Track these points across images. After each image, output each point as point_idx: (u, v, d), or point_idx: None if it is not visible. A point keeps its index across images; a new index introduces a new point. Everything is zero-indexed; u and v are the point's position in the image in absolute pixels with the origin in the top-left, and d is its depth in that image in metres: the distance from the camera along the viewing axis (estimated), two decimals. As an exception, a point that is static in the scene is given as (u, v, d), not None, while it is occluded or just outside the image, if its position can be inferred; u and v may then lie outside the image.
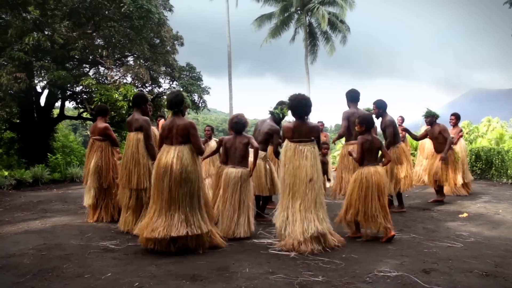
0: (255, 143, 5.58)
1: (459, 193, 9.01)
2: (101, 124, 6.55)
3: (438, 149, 8.06)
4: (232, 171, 5.45)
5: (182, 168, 4.60)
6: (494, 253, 4.67)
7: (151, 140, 5.67)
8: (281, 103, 6.45)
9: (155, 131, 6.22)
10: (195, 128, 4.82)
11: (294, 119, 5.13)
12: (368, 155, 5.30)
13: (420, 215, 6.91)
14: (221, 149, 5.83)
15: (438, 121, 8.11)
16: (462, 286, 3.60)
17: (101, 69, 15.92)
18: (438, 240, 5.22)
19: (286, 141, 5.04)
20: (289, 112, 5.37)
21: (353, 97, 6.72)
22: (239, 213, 5.32)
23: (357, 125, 5.46)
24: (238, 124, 5.63)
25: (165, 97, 14.39)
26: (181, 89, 16.52)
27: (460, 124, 9.75)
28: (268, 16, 30.46)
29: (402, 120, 11.70)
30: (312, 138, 5.02)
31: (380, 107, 6.99)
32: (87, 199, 6.46)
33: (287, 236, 4.76)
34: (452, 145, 8.18)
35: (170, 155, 4.67)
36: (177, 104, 4.87)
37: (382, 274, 3.91)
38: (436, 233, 5.66)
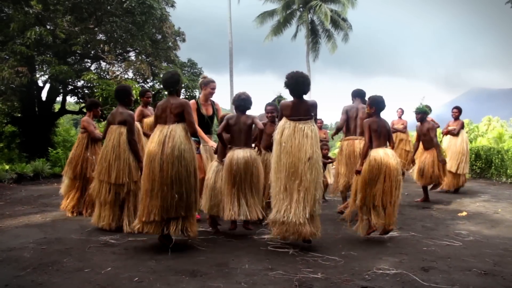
0: (260, 123, 5.31)
1: (449, 188, 9.09)
2: (85, 117, 6.84)
3: (426, 146, 8.07)
4: (240, 152, 5.12)
5: (175, 146, 4.46)
6: (493, 252, 4.69)
7: (135, 135, 5.57)
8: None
9: (139, 126, 6.25)
10: (190, 106, 4.68)
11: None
12: (376, 137, 5.15)
13: (419, 213, 6.92)
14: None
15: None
16: (460, 285, 3.61)
17: (103, 64, 15.94)
18: (437, 239, 5.24)
19: (284, 119, 4.80)
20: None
21: (358, 93, 6.66)
22: (251, 197, 5.09)
23: (367, 106, 5.37)
24: (246, 101, 5.34)
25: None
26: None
27: (460, 116, 9.73)
28: (270, 13, 30.43)
29: (402, 112, 11.85)
30: (312, 115, 4.80)
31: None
32: (62, 188, 6.75)
33: (286, 219, 4.55)
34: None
35: (163, 133, 4.53)
36: (173, 84, 4.76)
37: (381, 271, 3.92)
38: (435, 231, 5.68)
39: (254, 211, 5.08)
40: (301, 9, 30.41)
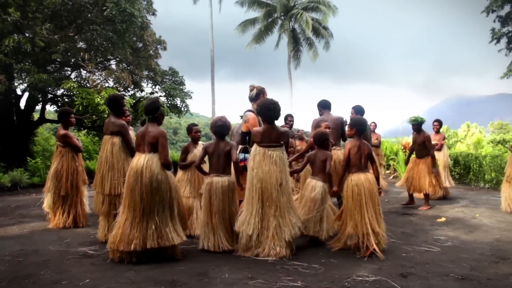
0: (235, 155, 5.12)
1: (437, 197, 9.17)
2: (61, 130, 6.52)
3: (419, 155, 8.20)
4: (218, 180, 5.08)
5: (152, 177, 4.45)
6: (470, 256, 4.76)
7: (132, 143, 5.47)
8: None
9: (133, 135, 6.16)
10: (165, 138, 4.65)
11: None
12: (357, 161, 5.07)
13: (399, 220, 6.99)
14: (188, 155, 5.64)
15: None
16: (438, 290, 3.66)
17: (83, 72, 15.77)
18: (416, 245, 5.29)
19: (255, 145, 4.94)
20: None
21: (324, 104, 6.71)
22: (230, 224, 5.05)
23: (348, 128, 5.31)
24: (223, 128, 5.26)
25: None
26: (162, 94, 16.46)
27: (441, 130, 9.95)
28: (252, 21, 30.57)
29: (375, 126, 11.91)
30: (281, 143, 4.93)
31: (358, 112, 7.07)
32: (46, 203, 6.47)
33: (258, 243, 4.71)
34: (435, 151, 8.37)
35: (140, 163, 4.53)
36: (152, 111, 4.72)
37: (361, 278, 3.95)
38: (415, 237, 5.74)
39: (230, 241, 5.05)
40: (283, 18, 30.62)
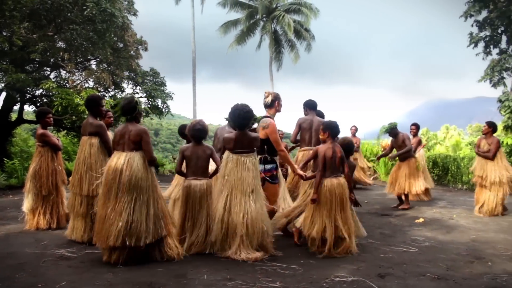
0: (218, 159, 5.15)
1: (420, 199, 9.29)
2: (39, 130, 6.45)
3: (401, 158, 8.32)
4: (197, 183, 5.03)
5: (132, 175, 4.41)
6: (447, 256, 4.84)
7: (110, 144, 5.33)
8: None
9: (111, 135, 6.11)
10: (148, 134, 4.64)
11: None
12: (330, 165, 5.00)
13: (378, 221, 7.06)
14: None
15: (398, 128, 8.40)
16: (414, 290, 3.71)
17: (63, 72, 15.57)
18: (394, 245, 5.35)
19: (227, 152, 4.94)
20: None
21: (311, 105, 6.71)
22: (207, 228, 4.99)
23: (321, 132, 5.21)
24: (201, 131, 5.16)
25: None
26: (143, 95, 16.34)
27: (420, 132, 10.10)
28: (234, 23, 30.53)
29: (356, 130, 11.98)
30: (254, 148, 4.95)
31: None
32: (26, 205, 6.35)
33: (227, 249, 4.74)
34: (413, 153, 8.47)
35: (120, 161, 4.47)
36: (129, 111, 4.68)
37: (339, 279, 3.98)
38: (393, 238, 5.80)
39: (208, 245, 4.98)
40: (265, 19, 30.65)
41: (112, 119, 6.65)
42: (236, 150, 4.89)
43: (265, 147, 5.30)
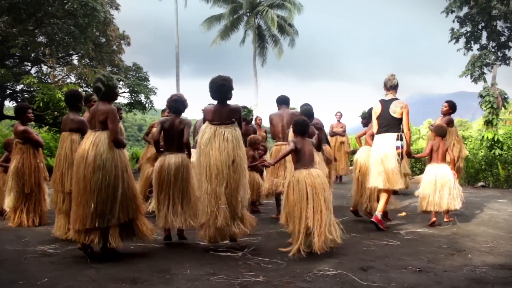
0: (186, 135, 5.09)
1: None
2: (19, 126, 6.33)
3: None
4: (171, 157, 5.00)
5: (97, 155, 4.31)
6: (428, 249, 4.91)
7: None
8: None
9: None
10: (115, 114, 4.50)
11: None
12: (301, 157, 4.89)
13: (360, 214, 7.11)
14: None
15: None
16: (396, 282, 3.75)
17: (44, 67, 15.38)
18: (377, 239, 5.41)
19: (206, 123, 4.87)
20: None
21: (283, 100, 6.75)
22: (181, 204, 4.98)
23: (292, 127, 5.14)
24: (177, 102, 5.17)
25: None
26: (126, 90, 16.21)
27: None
28: (218, 18, 30.41)
29: (341, 115, 12.22)
30: (233, 120, 4.86)
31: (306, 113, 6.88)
32: (8, 202, 6.27)
33: (214, 223, 4.66)
34: None
35: (88, 140, 4.41)
36: (95, 90, 4.57)
37: (321, 273, 4.00)
38: (375, 231, 5.85)
39: (186, 218, 4.98)
40: (248, 14, 30.59)
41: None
42: (215, 121, 4.82)
43: (401, 124, 5.82)
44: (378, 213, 5.89)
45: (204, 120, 5.02)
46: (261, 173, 7.74)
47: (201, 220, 4.76)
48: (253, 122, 8.89)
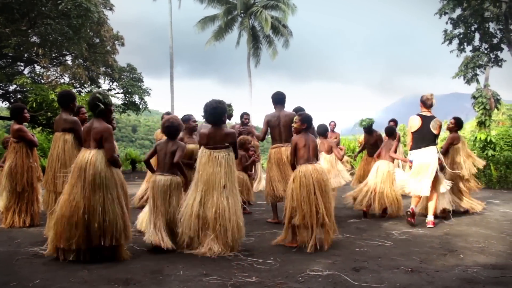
0: (178, 157, 5.09)
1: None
2: (15, 125, 6.30)
3: (371, 154, 8.40)
4: (161, 178, 5.04)
5: (96, 174, 4.33)
6: (420, 250, 4.93)
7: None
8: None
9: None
10: (110, 133, 4.53)
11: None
12: (305, 152, 5.08)
13: (353, 215, 7.14)
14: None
15: (374, 125, 8.50)
16: (388, 283, 3.77)
17: (37, 68, 15.34)
18: (370, 239, 5.43)
19: (202, 147, 5.00)
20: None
21: (278, 99, 6.63)
22: (167, 224, 4.98)
23: (299, 122, 5.23)
24: (169, 128, 5.21)
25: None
26: (120, 91, 16.19)
27: (397, 128, 10.19)
28: (212, 18, 30.37)
29: (335, 125, 12.08)
30: (227, 144, 4.95)
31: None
32: (0, 203, 6.25)
33: (196, 244, 4.75)
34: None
35: (84, 159, 4.41)
36: (93, 107, 4.58)
37: (314, 273, 4.01)
38: (368, 232, 5.88)
39: (172, 240, 4.94)
40: (242, 15, 30.58)
41: (86, 115, 6.49)
42: (209, 145, 4.93)
43: (436, 140, 6.52)
44: (431, 217, 6.40)
45: (199, 144, 5.13)
46: (250, 175, 7.81)
47: (186, 240, 4.82)
48: (239, 120, 8.79)
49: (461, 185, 7.38)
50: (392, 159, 7.18)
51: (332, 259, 4.51)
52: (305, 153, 5.10)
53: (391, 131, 7.53)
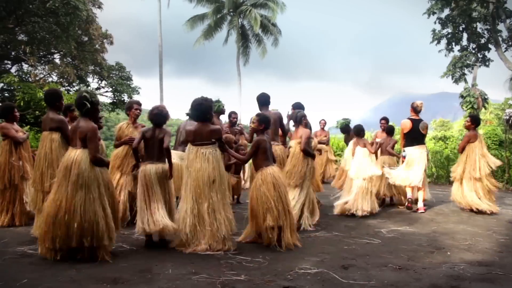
0: (167, 142, 5.13)
1: None
2: (2, 123, 6.33)
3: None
4: (152, 166, 5.05)
5: (79, 174, 4.33)
6: (408, 247, 4.98)
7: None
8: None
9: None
10: (95, 133, 4.52)
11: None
12: (270, 154, 5.18)
13: (342, 214, 7.16)
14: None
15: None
16: (376, 280, 3.80)
17: (25, 66, 15.19)
18: (358, 237, 5.46)
19: (189, 144, 5.04)
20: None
21: (264, 101, 6.69)
22: (162, 211, 4.98)
23: (256, 123, 5.27)
24: (158, 116, 5.23)
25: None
26: (109, 89, 16.10)
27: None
28: (201, 17, 30.27)
29: (325, 123, 12.08)
30: (213, 140, 4.98)
31: (297, 109, 7.04)
32: None
33: (196, 241, 4.75)
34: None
35: (70, 158, 4.41)
36: (79, 106, 4.58)
37: (303, 271, 4.03)
38: (357, 230, 5.92)
39: (168, 224, 4.94)
40: (232, 14, 30.52)
41: (76, 113, 6.37)
42: (196, 142, 4.96)
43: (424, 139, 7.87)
44: (421, 203, 7.45)
45: (186, 141, 5.18)
46: (237, 172, 7.88)
47: (182, 238, 4.84)
48: (227, 119, 8.78)
49: (478, 185, 7.30)
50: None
51: (321, 257, 4.53)
52: (270, 155, 5.19)
53: (391, 130, 8.57)
